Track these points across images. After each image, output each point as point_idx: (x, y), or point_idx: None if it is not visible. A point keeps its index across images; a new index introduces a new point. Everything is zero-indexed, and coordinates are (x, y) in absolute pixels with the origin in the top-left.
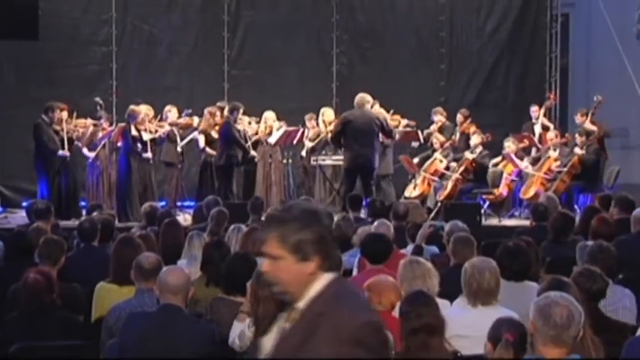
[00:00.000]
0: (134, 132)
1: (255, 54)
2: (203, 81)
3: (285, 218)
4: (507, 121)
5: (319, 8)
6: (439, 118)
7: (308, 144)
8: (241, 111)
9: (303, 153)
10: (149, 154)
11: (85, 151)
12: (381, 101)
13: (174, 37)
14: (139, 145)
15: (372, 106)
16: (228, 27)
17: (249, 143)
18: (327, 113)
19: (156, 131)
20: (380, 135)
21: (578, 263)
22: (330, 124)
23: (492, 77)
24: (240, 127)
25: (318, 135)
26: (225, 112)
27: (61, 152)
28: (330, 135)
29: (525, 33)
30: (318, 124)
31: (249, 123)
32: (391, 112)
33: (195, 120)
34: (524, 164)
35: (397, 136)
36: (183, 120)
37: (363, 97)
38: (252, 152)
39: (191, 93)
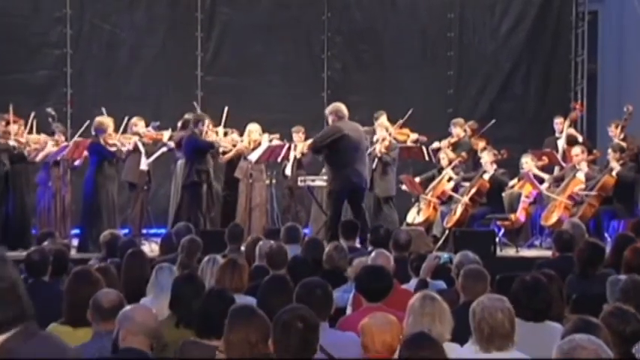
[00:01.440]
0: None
1: (233, 58)
2: (173, 89)
3: None
4: (526, 135)
5: (308, 5)
6: (458, 131)
7: (299, 155)
8: (207, 122)
9: (288, 171)
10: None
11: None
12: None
13: (138, 38)
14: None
15: (377, 118)
16: (201, 26)
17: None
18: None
19: (122, 145)
20: (367, 148)
21: (608, 301)
22: None
23: (509, 85)
24: (209, 139)
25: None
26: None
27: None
28: (313, 143)
29: (547, 34)
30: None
31: (225, 134)
32: (397, 125)
33: (166, 135)
34: (545, 185)
35: (393, 156)
36: (153, 133)
37: (343, 108)
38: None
39: (159, 103)
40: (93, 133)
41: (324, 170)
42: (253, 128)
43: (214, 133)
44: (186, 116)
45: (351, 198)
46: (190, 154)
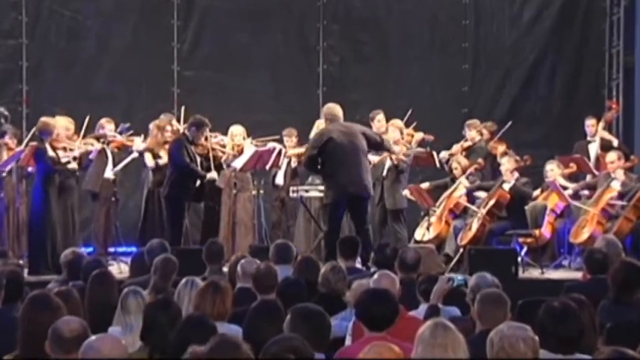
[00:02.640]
0: (50, 152)
1: (214, 49)
2: (145, 85)
3: None
4: (553, 139)
5: None
6: (473, 134)
7: (294, 162)
8: (206, 131)
9: (279, 180)
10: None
11: None
12: (385, 112)
13: (105, 27)
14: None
15: (372, 119)
16: (178, 13)
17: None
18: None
19: (85, 151)
20: (367, 152)
21: None
22: None
23: (532, 81)
24: (202, 150)
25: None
26: (175, 126)
27: None
28: (303, 158)
29: (576, 21)
30: (307, 140)
31: (206, 138)
32: (402, 122)
33: (138, 141)
34: (569, 192)
35: (411, 155)
36: (123, 137)
37: (335, 109)
38: (212, 174)
39: (129, 101)
40: (37, 135)
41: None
42: (236, 131)
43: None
44: (164, 116)
45: (351, 210)
46: (171, 163)
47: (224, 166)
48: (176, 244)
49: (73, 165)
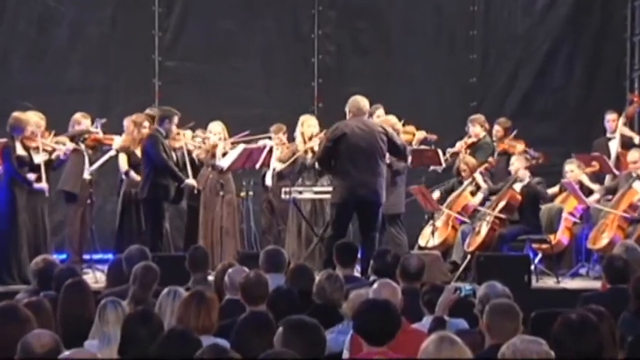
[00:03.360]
0: (20, 151)
1: (199, 38)
2: (124, 77)
3: None
4: (569, 135)
5: None
6: (477, 130)
7: (277, 165)
8: (176, 120)
9: (269, 181)
10: (44, 185)
11: None
12: (386, 107)
13: (80, 13)
14: (28, 170)
15: (371, 115)
16: None
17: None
18: (309, 123)
19: (52, 150)
20: (386, 156)
21: None
22: (311, 139)
23: (547, 72)
24: (178, 144)
25: (294, 154)
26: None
27: None
28: (314, 155)
29: (595, 8)
30: (294, 138)
31: (193, 137)
32: (402, 121)
33: (118, 140)
34: (594, 198)
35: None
36: (100, 135)
37: (360, 103)
38: (192, 181)
39: (106, 94)
40: (8, 132)
41: (303, 181)
42: (215, 129)
43: (188, 138)
44: (149, 111)
45: (359, 214)
46: (146, 161)
47: (206, 166)
48: (157, 251)
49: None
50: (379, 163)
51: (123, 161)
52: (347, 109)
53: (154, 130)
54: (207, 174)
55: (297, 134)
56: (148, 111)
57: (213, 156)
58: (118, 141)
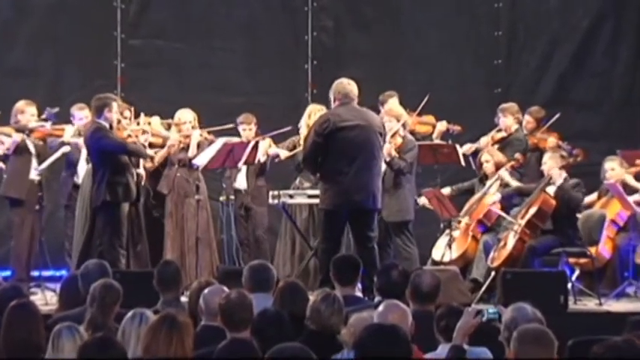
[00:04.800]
0: None
1: (169, 12)
2: (80, 58)
3: None
4: (613, 128)
5: None
6: (509, 122)
7: (282, 152)
8: (115, 107)
9: (241, 183)
10: None
11: None
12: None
13: None
14: None
15: (382, 104)
16: None
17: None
18: (318, 114)
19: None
20: (381, 149)
21: None
22: None
23: (586, 53)
24: (125, 132)
25: (294, 147)
26: (78, 113)
27: None
28: (302, 149)
29: None
30: (297, 130)
31: (138, 123)
32: (414, 112)
33: (69, 131)
34: (636, 198)
35: (410, 159)
36: (47, 127)
37: (347, 87)
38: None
39: (57, 78)
40: None
41: (301, 182)
42: (185, 117)
43: (135, 126)
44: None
45: (353, 223)
46: (97, 160)
47: (170, 164)
48: (118, 266)
49: None
50: (377, 162)
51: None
52: (331, 96)
53: (95, 124)
54: (172, 174)
55: (303, 126)
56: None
57: (183, 150)
58: (70, 131)
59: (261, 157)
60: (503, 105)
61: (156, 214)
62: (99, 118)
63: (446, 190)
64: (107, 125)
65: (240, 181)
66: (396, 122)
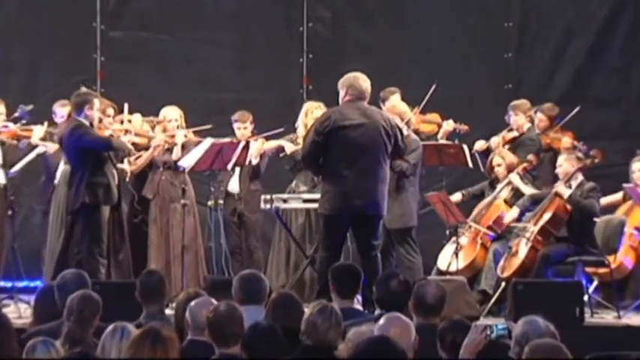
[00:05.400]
0: None
1: (153, 1)
2: (55, 51)
3: None
4: (633, 126)
5: None
6: (520, 120)
7: (288, 146)
8: (97, 104)
9: (234, 186)
10: None
11: None
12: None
13: None
14: None
15: (383, 101)
16: None
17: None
18: (317, 113)
19: None
20: (388, 152)
21: None
22: None
23: (603, 47)
24: (107, 132)
25: (282, 150)
26: (60, 110)
27: None
28: (301, 148)
29: None
30: (295, 129)
31: (122, 121)
32: (417, 108)
33: (38, 131)
34: None
35: (414, 160)
36: (18, 127)
37: (362, 83)
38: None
39: (32, 74)
40: None
41: (297, 185)
42: (171, 114)
43: (118, 125)
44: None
45: (356, 230)
46: (76, 159)
47: (155, 167)
48: (98, 276)
49: None
50: (382, 165)
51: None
52: (341, 90)
53: (74, 122)
54: (157, 177)
55: (300, 125)
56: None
57: (169, 151)
58: (39, 132)
59: (253, 159)
60: (514, 102)
61: (135, 220)
62: (78, 115)
63: (456, 196)
64: (87, 123)
65: (233, 185)
66: (399, 120)
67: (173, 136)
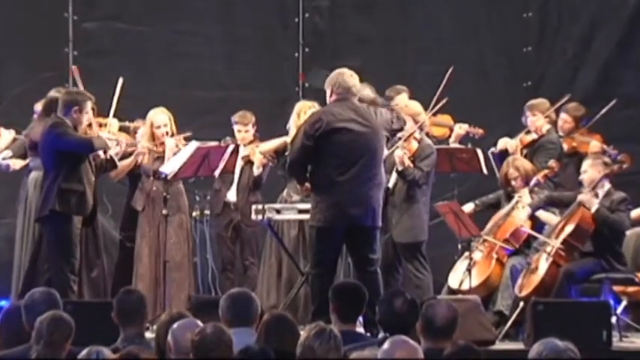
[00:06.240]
0: None
1: None
2: (23, 44)
3: None
4: None
5: None
6: (539, 122)
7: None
8: (89, 108)
9: (232, 195)
10: None
11: None
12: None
13: None
14: None
15: (390, 100)
16: None
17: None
18: (309, 112)
19: None
20: (382, 156)
21: None
22: None
23: (632, 39)
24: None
25: (284, 150)
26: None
27: None
28: (288, 154)
29: None
30: (287, 132)
31: (127, 130)
32: (431, 110)
33: (6, 136)
34: None
35: (427, 168)
36: None
37: (349, 79)
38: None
39: None
40: None
41: (289, 194)
42: (160, 119)
43: (99, 127)
44: (52, 94)
45: (349, 243)
46: (51, 161)
47: (146, 176)
48: (69, 295)
49: None
50: (378, 171)
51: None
52: (327, 88)
53: (56, 119)
54: (148, 187)
55: (292, 127)
56: (52, 93)
57: (159, 160)
58: (6, 137)
59: (255, 169)
60: (532, 101)
61: (123, 233)
62: (65, 115)
63: (469, 207)
64: (72, 124)
65: (232, 194)
66: (412, 123)
67: (162, 144)
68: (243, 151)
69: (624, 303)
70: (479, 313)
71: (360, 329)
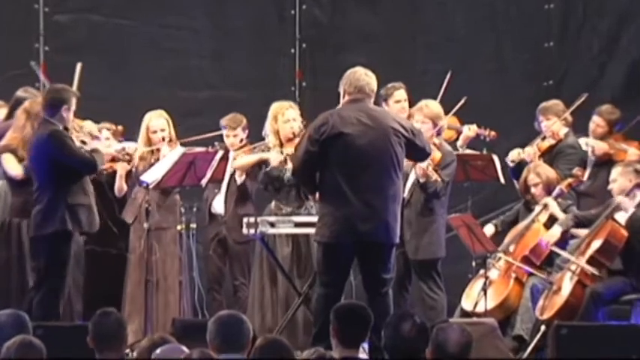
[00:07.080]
0: None
1: None
2: None
3: None
4: None
5: None
6: (554, 126)
7: (274, 157)
8: (74, 104)
9: (219, 207)
10: None
11: None
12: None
13: None
14: None
15: (386, 99)
16: None
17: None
18: (288, 116)
19: None
20: (402, 167)
21: None
22: (291, 141)
23: None
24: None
25: (260, 162)
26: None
27: None
28: (294, 160)
29: None
30: (263, 138)
31: (100, 130)
32: (452, 113)
33: None
34: None
35: (447, 178)
36: None
37: (363, 79)
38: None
39: None
40: None
41: (277, 207)
42: (157, 124)
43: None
44: (20, 94)
45: (362, 261)
46: (50, 174)
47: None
48: (44, 317)
49: None
50: (394, 180)
51: (11, 163)
52: (341, 89)
53: (49, 124)
54: (140, 198)
55: (269, 132)
56: (20, 93)
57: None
58: None
59: (237, 177)
60: (544, 104)
61: (115, 250)
62: (52, 116)
63: (489, 229)
64: (62, 126)
65: (218, 204)
66: (431, 125)
67: (158, 150)
68: (233, 157)
69: None
70: (495, 338)
71: (364, 356)
